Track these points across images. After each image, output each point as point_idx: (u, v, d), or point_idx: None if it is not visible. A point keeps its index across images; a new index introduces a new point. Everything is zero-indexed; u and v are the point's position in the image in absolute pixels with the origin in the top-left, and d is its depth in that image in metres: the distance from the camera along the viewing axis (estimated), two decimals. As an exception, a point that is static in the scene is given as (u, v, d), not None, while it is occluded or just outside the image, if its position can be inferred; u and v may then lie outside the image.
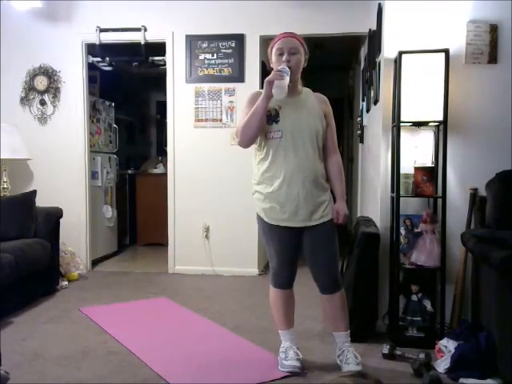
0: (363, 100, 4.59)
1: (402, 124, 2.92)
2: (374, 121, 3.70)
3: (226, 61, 4.66)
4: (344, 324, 2.59)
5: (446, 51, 2.85)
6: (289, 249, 2.54)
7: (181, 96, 4.74)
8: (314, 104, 2.54)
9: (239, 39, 4.62)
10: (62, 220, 4.20)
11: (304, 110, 2.50)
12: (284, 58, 2.41)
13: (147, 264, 5.28)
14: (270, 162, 2.48)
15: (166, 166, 5.12)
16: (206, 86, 4.70)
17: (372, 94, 3.82)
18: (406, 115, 2.91)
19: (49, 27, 4.79)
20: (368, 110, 4.22)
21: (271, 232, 2.54)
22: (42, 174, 4.84)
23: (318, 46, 5.78)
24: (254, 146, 2.56)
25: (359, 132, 4.89)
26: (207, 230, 4.78)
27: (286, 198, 2.46)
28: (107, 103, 5.69)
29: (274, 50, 2.46)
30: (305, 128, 2.45)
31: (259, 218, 2.59)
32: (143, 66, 6.15)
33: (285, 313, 2.63)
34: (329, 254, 2.52)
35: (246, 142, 2.48)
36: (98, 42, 4.77)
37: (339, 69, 7.11)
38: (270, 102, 2.40)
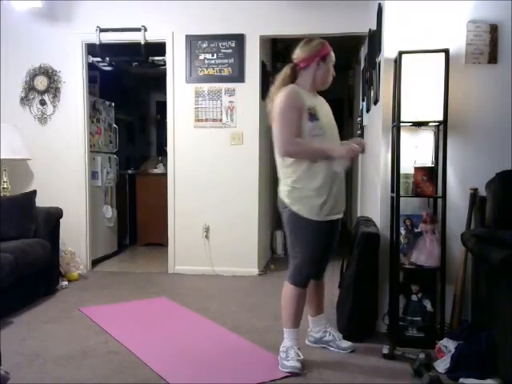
0: (363, 100, 4.59)
1: (401, 124, 2.92)
2: (374, 121, 3.70)
3: (225, 61, 4.66)
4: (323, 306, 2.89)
5: (446, 51, 2.85)
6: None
7: (181, 96, 4.74)
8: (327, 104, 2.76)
9: (239, 39, 4.62)
10: (62, 220, 4.20)
11: (327, 110, 2.73)
12: (333, 71, 2.72)
13: (147, 264, 5.28)
14: None
15: (166, 166, 5.11)
16: (205, 86, 4.70)
17: (372, 94, 3.82)
18: (406, 115, 2.91)
19: (49, 27, 4.79)
20: (368, 110, 4.22)
21: (320, 229, 2.57)
22: (42, 174, 4.84)
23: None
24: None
25: (359, 132, 4.89)
26: (207, 230, 4.78)
27: (333, 192, 2.56)
28: (107, 103, 5.69)
29: (330, 58, 2.70)
30: (334, 125, 2.69)
31: (302, 219, 2.54)
32: (143, 66, 6.15)
33: (300, 312, 2.68)
34: (335, 245, 2.73)
35: (291, 157, 2.56)
36: (98, 42, 4.77)
37: (339, 69, 7.09)
38: (307, 102, 2.55)
